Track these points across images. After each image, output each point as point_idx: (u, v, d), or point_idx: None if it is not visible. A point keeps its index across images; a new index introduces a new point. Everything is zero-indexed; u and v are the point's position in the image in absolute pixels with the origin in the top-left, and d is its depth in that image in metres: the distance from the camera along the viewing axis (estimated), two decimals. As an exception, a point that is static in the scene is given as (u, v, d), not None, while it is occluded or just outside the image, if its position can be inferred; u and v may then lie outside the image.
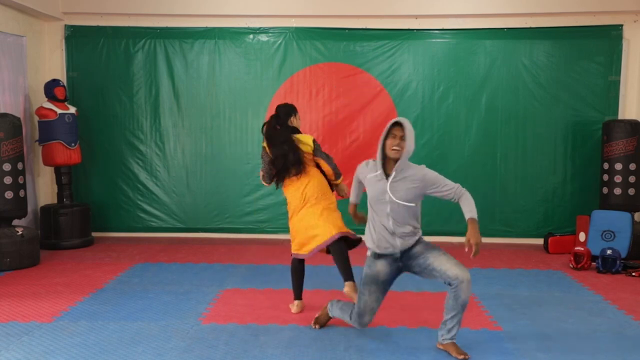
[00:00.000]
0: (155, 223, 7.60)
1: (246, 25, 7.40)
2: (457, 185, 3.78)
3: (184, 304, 4.80)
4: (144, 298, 4.97)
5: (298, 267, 4.61)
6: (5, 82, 6.59)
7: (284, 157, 4.45)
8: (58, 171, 7.00)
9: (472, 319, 4.47)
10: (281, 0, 7.29)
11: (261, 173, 4.64)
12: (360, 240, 4.44)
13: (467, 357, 3.70)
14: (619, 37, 7.14)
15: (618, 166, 6.63)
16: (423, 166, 3.84)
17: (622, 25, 7.14)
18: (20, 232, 6.00)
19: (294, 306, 4.62)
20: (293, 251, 4.53)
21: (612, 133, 6.68)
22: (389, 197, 3.73)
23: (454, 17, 7.26)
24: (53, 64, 7.48)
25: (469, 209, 3.71)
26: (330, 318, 4.28)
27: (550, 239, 6.89)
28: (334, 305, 4.20)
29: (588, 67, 7.21)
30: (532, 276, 5.86)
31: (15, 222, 6.26)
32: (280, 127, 4.57)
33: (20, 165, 6.10)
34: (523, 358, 3.77)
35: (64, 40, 7.44)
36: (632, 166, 6.61)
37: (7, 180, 5.97)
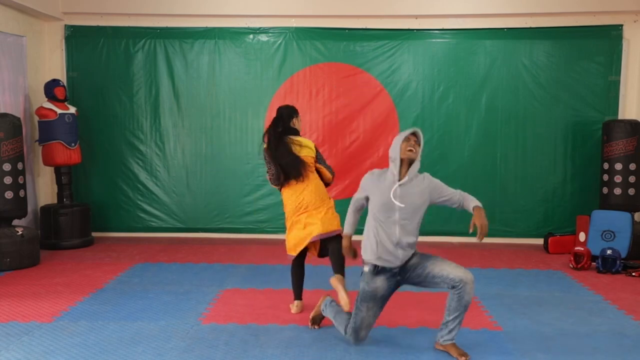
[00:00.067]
0: (155, 223, 7.60)
1: (246, 25, 7.40)
2: (459, 190, 3.87)
3: (184, 304, 4.80)
4: (144, 298, 4.97)
5: (298, 267, 4.61)
6: (5, 82, 6.59)
7: (287, 165, 4.43)
8: (58, 171, 7.00)
9: (472, 319, 4.47)
10: (281, 0, 7.29)
11: (268, 176, 4.64)
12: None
13: (467, 357, 3.70)
14: (619, 37, 7.14)
15: (618, 166, 6.63)
16: (427, 173, 3.85)
17: (622, 25, 7.14)
18: (20, 232, 6.00)
19: (294, 306, 4.62)
20: (289, 252, 4.53)
21: (612, 133, 6.68)
22: (399, 202, 3.69)
23: (454, 17, 7.26)
24: (53, 64, 7.48)
25: (475, 201, 3.78)
26: (324, 316, 4.26)
27: (550, 239, 6.89)
28: (328, 307, 4.16)
29: (588, 67, 7.21)
30: (532, 276, 5.86)
31: (15, 222, 6.26)
32: (282, 129, 4.55)
33: (20, 165, 6.10)
34: (523, 358, 3.77)
35: (64, 40, 7.44)
36: (632, 166, 6.61)
37: (7, 180, 5.97)
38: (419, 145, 3.75)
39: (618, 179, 6.64)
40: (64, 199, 7.03)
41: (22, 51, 6.93)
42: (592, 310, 4.78)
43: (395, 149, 3.75)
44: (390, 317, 4.40)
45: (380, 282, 3.79)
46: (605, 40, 7.16)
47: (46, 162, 6.91)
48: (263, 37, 7.41)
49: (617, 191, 6.65)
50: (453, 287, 3.65)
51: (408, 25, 7.31)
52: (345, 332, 3.91)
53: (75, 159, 6.97)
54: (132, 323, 4.34)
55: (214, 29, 7.40)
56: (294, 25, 7.38)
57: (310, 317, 4.29)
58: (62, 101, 6.87)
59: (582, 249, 6.15)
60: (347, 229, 4.00)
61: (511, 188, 7.37)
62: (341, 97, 7.36)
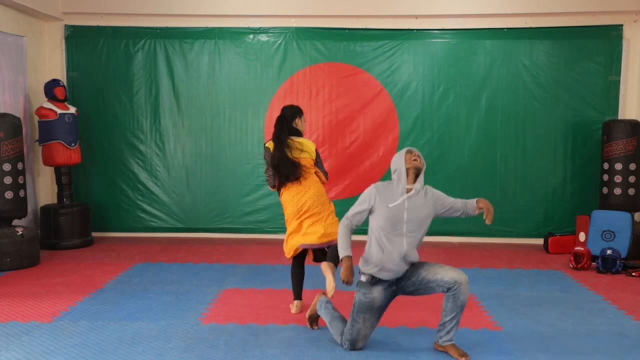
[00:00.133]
0: (155, 223, 7.60)
1: (246, 25, 7.40)
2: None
3: (184, 304, 4.80)
4: (144, 298, 4.97)
5: (298, 267, 4.61)
6: (5, 82, 6.59)
7: (283, 169, 4.43)
8: (58, 171, 7.00)
9: (472, 319, 4.47)
10: (281, 0, 7.29)
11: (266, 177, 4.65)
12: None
13: (467, 357, 3.69)
14: (619, 37, 7.14)
15: (618, 166, 6.63)
16: (428, 186, 3.85)
17: (622, 25, 7.14)
18: (20, 232, 6.00)
19: (294, 306, 4.62)
20: (286, 255, 4.53)
21: (612, 133, 6.68)
22: (408, 214, 3.67)
23: (454, 17, 7.26)
24: (53, 64, 7.48)
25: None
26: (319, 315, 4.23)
27: (550, 239, 6.89)
28: (323, 308, 4.11)
29: (588, 67, 7.21)
30: (532, 276, 5.86)
31: (15, 222, 6.26)
32: (284, 129, 4.55)
33: (20, 165, 6.10)
34: (523, 358, 3.77)
35: (64, 40, 7.44)
36: (632, 166, 6.61)
37: (7, 180, 5.97)
38: (422, 157, 3.77)
39: (618, 179, 6.64)
40: (64, 199, 7.03)
41: (22, 51, 6.93)
42: (592, 310, 4.78)
43: (399, 161, 3.73)
44: (390, 317, 4.39)
45: (377, 293, 3.77)
46: (605, 40, 7.16)
47: (46, 162, 6.91)
48: (263, 37, 7.41)
49: (617, 191, 6.65)
50: (448, 290, 3.66)
51: (408, 25, 7.31)
52: (342, 344, 3.87)
53: (75, 159, 6.97)
54: (132, 323, 4.34)
55: (214, 29, 7.40)
56: (294, 25, 7.38)
57: (307, 316, 4.28)
58: (62, 101, 6.87)
59: (582, 249, 6.15)
60: (347, 251, 3.77)
61: (511, 188, 7.37)
62: (341, 97, 7.36)
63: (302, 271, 4.63)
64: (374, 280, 3.77)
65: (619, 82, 7.18)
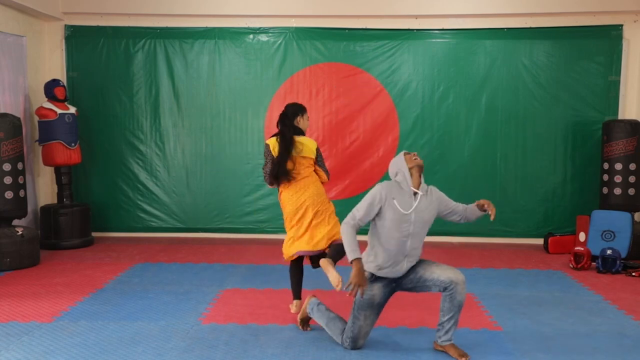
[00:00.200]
0: (155, 223, 7.60)
1: (246, 25, 7.40)
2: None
3: (184, 304, 4.80)
4: (144, 298, 4.97)
5: (297, 267, 4.60)
6: (5, 82, 6.59)
7: (279, 166, 4.42)
8: (58, 171, 7.00)
9: (472, 319, 4.47)
10: (281, 0, 7.29)
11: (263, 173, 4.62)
12: None
13: (467, 357, 3.70)
14: (619, 37, 7.14)
15: (618, 166, 6.63)
16: (433, 186, 3.86)
17: (622, 25, 7.14)
18: (20, 232, 6.00)
19: (293, 306, 4.62)
20: (285, 255, 4.54)
21: (612, 133, 6.68)
22: (415, 215, 3.67)
23: (454, 17, 7.26)
24: (53, 64, 7.48)
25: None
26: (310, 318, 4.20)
27: (550, 239, 6.89)
28: (315, 311, 4.07)
29: (588, 67, 7.21)
30: (532, 276, 5.86)
31: (15, 222, 6.26)
32: (285, 127, 4.54)
33: (20, 165, 6.10)
34: (523, 358, 3.77)
35: (64, 40, 7.44)
36: (632, 166, 6.61)
37: (7, 180, 5.97)
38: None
39: (618, 179, 6.64)
40: (64, 199, 7.03)
41: (22, 51, 6.93)
42: (592, 310, 4.78)
43: (400, 163, 3.74)
44: (390, 317, 4.40)
45: (377, 290, 3.77)
46: (605, 40, 7.16)
47: (46, 162, 6.91)
48: (263, 37, 7.41)
49: (617, 191, 6.65)
50: (445, 289, 3.67)
51: (408, 25, 7.31)
52: (342, 342, 3.87)
53: (75, 159, 6.97)
54: (132, 323, 4.34)
55: (214, 29, 7.40)
56: (294, 25, 7.38)
57: (298, 319, 4.26)
58: (62, 101, 6.87)
59: (582, 249, 6.15)
60: (357, 252, 3.63)
61: (511, 188, 7.37)
62: (341, 97, 7.36)
63: (300, 271, 4.63)
64: (373, 277, 3.77)
65: (619, 82, 7.19)
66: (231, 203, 7.53)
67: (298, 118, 4.62)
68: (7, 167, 5.96)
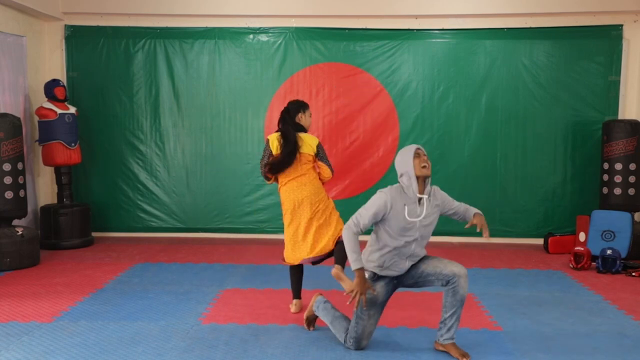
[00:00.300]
0: (155, 223, 7.60)
1: (246, 25, 7.40)
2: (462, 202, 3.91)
3: (184, 304, 4.80)
4: (144, 298, 4.97)
5: (297, 266, 4.61)
6: (5, 82, 6.59)
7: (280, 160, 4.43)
8: (58, 171, 7.00)
9: (472, 319, 4.47)
10: (281, 0, 7.29)
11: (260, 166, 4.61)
12: None
13: (468, 357, 3.69)
14: (619, 37, 7.14)
15: (618, 166, 6.63)
16: (435, 186, 3.85)
17: (622, 25, 7.14)
18: (20, 232, 6.00)
19: (293, 306, 4.62)
20: (286, 260, 4.54)
21: (612, 133, 6.68)
22: (421, 221, 3.66)
23: (454, 17, 7.26)
24: (53, 64, 7.48)
25: (475, 210, 3.86)
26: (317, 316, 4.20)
27: (550, 239, 6.89)
28: (321, 309, 4.07)
29: (588, 67, 7.21)
30: (532, 276, 5.86)
31: (15, 222, 6.26)
32: (286, 123, 4.54)
33: (20, 165, 6.10)
34: (523, 358, 3.77)
35: (64, 40, 7.44)
36: (632, 166, 6.61)
37: (7, 180, 5.97)
38: (429, 160, 3.71)
39: (618, 179, 6.64)
40: (64, 199, 7.03)
41: (22, 51, 6.93)
42: (592, 310, 4.78)
43: (407, 165, 3.66)
44: (390, 317, 4.40)
45: (380, 288, 3.77)
46: (605, 40, 7.16)
47: (46, 162, 6.91)
48: (263, 37, 7.41)
49: (617, 191, 6.65)
50: (447, 283, 3.66)
51: (408, 25, 7.31)
52: (345, 342, 3.87)
53: (75, 159, 6.97)
54: (132, 323, 4.34)
55: (214, 29, 7.40)
56: (294, 25, 7.38)
57: (305, 317, 4.26)
58: (62, 101, 6.87)
59: (582, 249, 6.15)
60: (360, 262, 3.59)
61: (511, 188, 7.37)
62: (341, 97, 7.36)
63: (300, 271, 4.63)
64: (376, 277, 3.78)
65: (619, 82, 7.18)
66: (231, 203, 7.53)
67: (300, 115, 4.60)
68: (7, 167, 5.96)
